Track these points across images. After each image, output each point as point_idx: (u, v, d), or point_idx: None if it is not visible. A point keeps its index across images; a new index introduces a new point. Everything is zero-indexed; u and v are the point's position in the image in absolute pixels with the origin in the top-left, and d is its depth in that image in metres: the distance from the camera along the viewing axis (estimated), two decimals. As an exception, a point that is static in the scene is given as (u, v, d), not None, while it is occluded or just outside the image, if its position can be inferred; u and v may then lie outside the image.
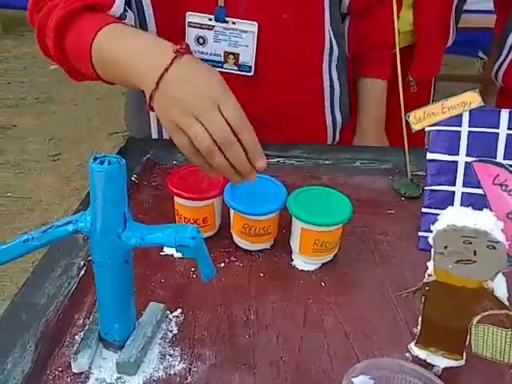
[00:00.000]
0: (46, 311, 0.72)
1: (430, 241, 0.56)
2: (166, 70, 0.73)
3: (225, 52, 1.03)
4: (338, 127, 1.18)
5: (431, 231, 0.85)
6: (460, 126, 0.87)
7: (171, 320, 0.74)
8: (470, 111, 0.87)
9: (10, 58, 4.06)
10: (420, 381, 0.55)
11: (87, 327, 0.70)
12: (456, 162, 0.87)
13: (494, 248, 0.52)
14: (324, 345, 0.71)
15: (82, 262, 0.80)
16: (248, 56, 1.02)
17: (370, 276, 0.82)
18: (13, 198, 2.59)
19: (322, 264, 0.84)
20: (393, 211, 0.95)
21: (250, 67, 1.03)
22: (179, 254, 0.82)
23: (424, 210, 0.88)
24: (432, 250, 0.58)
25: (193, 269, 0.83)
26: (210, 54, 1.03)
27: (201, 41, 1.02)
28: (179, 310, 0.76)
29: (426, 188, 0.88)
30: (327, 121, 1.15)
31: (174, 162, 1.04)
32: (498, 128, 0.86)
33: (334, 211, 0.81)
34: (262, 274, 0.82)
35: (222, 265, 0.84)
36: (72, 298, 0.75)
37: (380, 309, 0.76)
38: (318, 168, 1.03)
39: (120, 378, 0.66)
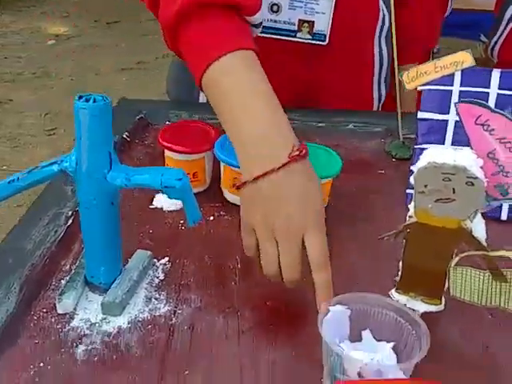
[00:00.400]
0: (32, 256, 0.73)
1: (412, 180, 0.56)
2: (273, 171, 0.64)
3: (299, 20, 0.98)
4: (382, 100, 1.18)
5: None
6: (452, 85, 0.87)
7: (158, 267, 0.75)
8: (462, 71, 0.87)
9: (7, 33, 4.06)
10: (396, 314, 0.55)
11: (73, 271, 0.71)
12: (446, 121, 0.87)
13: (473, 184, 0.52)
14: (309, 289, 0.72)
15: (70, 212, 0.80)
16: (323, 24, 0.98)
17: (357, 231, 0.82)
18: (8, 171, 2.60)
19: (311, 219, 0.84)
20: (383, 171, 0.95)
21: (325, 36, 0.99)
22: (169, 207, 0.86)
23: (412, 167, 0.88)
24: (413, 191, 0.58)
25: (181, 221, 0.83)
26: (284, 23, 0.99)
27: (275, 8, 0.97)
28: (166, 258, 0.76)
29: (415, 147, 0.89)
30: (374, 94, 1.15)
31: (167, 123, 1.04)
32: (488, 88, 0.86)
33: (323, 166, 0.81)
34: (250, 227, 0.82)
35: (212, 218, 0.84)
36: (59, 245, 0.76)
37: (364, 259, 0.77)
38: (311, 130, 1.03)
39: (105, 318, 0.67)
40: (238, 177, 0.82)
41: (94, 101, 0.59)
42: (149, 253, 0.74)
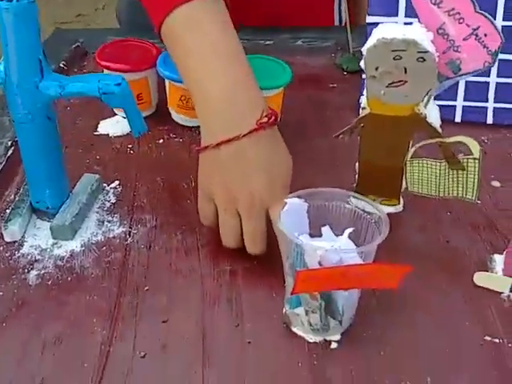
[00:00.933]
0: (-28, 188, 0.69)
1: (362, 64, 0.54)
2: (238, 137, 0.58)
3: None
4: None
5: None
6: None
7: (109, 191, 0.72)
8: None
9: None
10: (354, 205, 0.54)
11: (17, 198, 0.67)
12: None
13: (424, 60, 0.51)
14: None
15: (10, 143, 0.76)
16: None
17: (312, 143, 0.81)
18: None
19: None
20: (335, 85, 0.93)
21: None
22: (115, 133, 0.82)
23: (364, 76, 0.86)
24: (364, 77, 0.56)
25: (130, 145, 0.79)
26: None
27: None
28: (117, 182, 0.73)
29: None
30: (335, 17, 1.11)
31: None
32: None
33: (273, 77, 0.78)
34: (202, 147, 0.80)
35: (161, 141, 0.81)
36: (0, 176, 0.71)
37: (320, 171, 0.75)
38: (260, 48, 1.00)
39: (56, 243, 0.64)
40: (185, 94, 0.79)
41: (18, 0, 0.54)
42: (97, 176, 0.70)
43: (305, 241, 0.49)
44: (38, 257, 0.62)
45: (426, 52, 0.50)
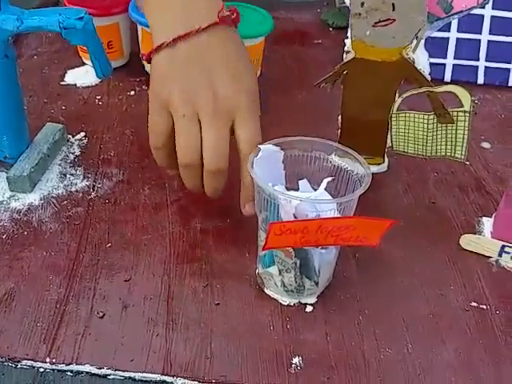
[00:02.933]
0: None
1: (347, 1, 0.49)
2: (197, 32, 0.51)
3: None
4: None
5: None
6: None
7: (73, 143, 0.66)
8: None
9: None
10: (334, 156, 0.49)
11: (-28, 146, 0.62)
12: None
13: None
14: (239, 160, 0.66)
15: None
16: None
17: (294, 98, 0.76)
18: None
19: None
20: (320, 41, 0.88)
21: None
22: (83, 83, 0.76)
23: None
24: (349, 17, 0.51)
25: (98, 97, 0.74)
26: None
27: None
28: (82, 134, 0.68)
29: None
30: None
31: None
32: None
33: (253, 25, 0.73)
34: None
35: (132, 93, 0.75)
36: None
37: (302, 126, 0.69)
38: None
39: (13, 196, 0.59)
40: (160, 43, 0.74)
41: None
42: (60, 126, 0.65)
43: (279, 191, 0.44)
44: (-8, 210, 0.57)
45: (418, -13, 0.46)
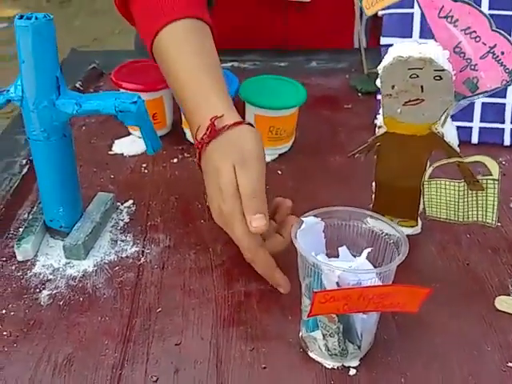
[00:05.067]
0: (-14, 205, 0.68)
1: (378, 84, 0.53)
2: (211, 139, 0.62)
3: None
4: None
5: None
6: (412, 7, 0.85)
7: (122, 210, 0.71)
8: (423, -8, 0.84)
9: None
10: (372, 224, 0.53)
11: (31, 217, 0.66)
12: (411, 46, 0.85)
13: (441, 78, 0.50)
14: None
15: (25, 161, 0.76)
16: None
17: (328, 163, 0.80)
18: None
19: (279, 155, 0.81)
20: (350, 106, 0.93)
21: None
22: (130, 152, 0.82)
23: (379, 97, 0.86)
24: (380, 97, 0.55)
25: (144, 165, 0.79)
26: None
27: None
28: (130, 201, 0.72)
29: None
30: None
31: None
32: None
33: (287, 96, 0.78)
34: (216, 166, 0.79)
35: (175, 160, 0.80)
36: (14, 194, 0.71)
37: (337, 192, 0.74)
38: (274, 70, 0.99)
39: (69, 262, 0.63)
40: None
41: (36, 19, 0.54)
42: (111, 195, 0.70)
43: (322, 261, 0.47)
44: (50, 276, 0.61)
45: (443, 70, 0.49)
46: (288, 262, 0.58)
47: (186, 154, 0.81)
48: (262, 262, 0.58)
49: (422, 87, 0.51)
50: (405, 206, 0.64)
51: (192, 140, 0.82)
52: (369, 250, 0.50)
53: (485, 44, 0.49)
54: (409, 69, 0.50)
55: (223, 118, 0.62)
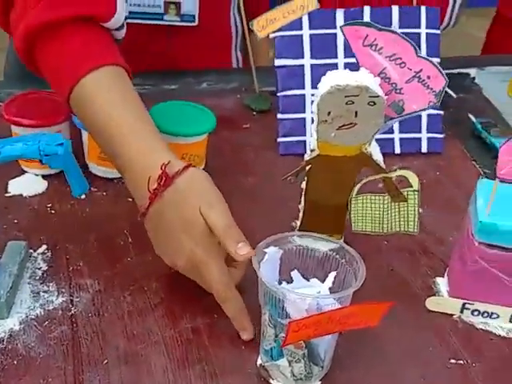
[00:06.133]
0: None
1: (314, 109, 0.55)
2: (158, 197, 0.59)
3: (165, 2, 0.96)
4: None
5: (289, 135, 0.88)
6: (301, 29, 0.89)
7: (37, 257, 0.65)
8: (309, 14, 0.88)
9: None
10: (325, 248, 0.54)
11: None
12: (303, 66, 0.89)
13: (374, 104, 0.53)
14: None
15: None
16: (191, 4, 0.96)
17: (241, 184, 0.80)
18: None
19: (190, 180, 0.80)
20: (248, 125, 0.94)
21: (194, 16, 0.97)
22: (29, 192, 0.75)
23: (280, 116, 0.88)
24: (314, 123, 0.57)
25: (49, 204, 0.73)
26: (149, 6, 0.95)
27: None
28: (44, 247, 0.67)
29: (278, 94, 0.89)
30: (233, 62, 1.14)
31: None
32: (335, 28, 0.89)
33: (198, 122, 0.77)
34: (130, 199, 0.75)
35: (83, 196, 0.75)
36: None
37: (257, 212, 0.75)
38: (165, 93, 0.98)
39: (-10, 324, 0.57)
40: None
41: None
42: (23, 243, 0.64)
43: (292, 290, 0.48)
44: (-27, 343, 0.54)
45: (377, 96, 0.53)
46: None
47: (92, 189, 0.76)
48: (235, 303, 0.57)
49: (356, 112, 0.54)
50: (333, 222, 0.66)
51: (101, 173, 0.78)
52: (334, 273, 0.51)
53: (410, 69, 0.53)
54: (345, 96, 0.52)
55: (171, 164, 0.59)
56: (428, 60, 0.53)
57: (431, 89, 0.53)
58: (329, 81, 0.53)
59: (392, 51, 0.53)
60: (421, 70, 0.53)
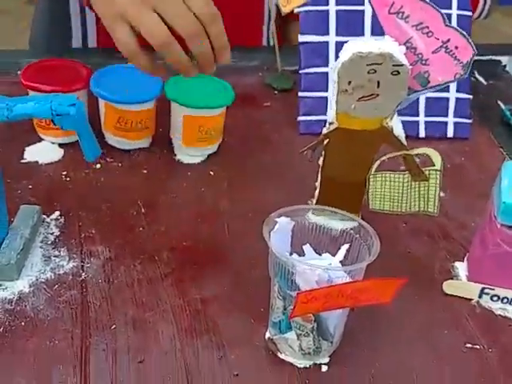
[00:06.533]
0: None
1: (335, 77, 0.53)
2: None
3: None
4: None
5: (310, 114, 0.86)
6: (327, 4, 0.87)
7: (49, 223, 0.65)
8: (336, -12, 0.86)
9: None
10: (337, 222, 0.53)
11: None
12: (327, 43, 0.87)
13: (398, 73, 0.51)
14: (224, 225, 0.67)
15: None
16: None
17: (259, 161, 0.79)
18: None
19: (208, 156, 0.79)
20: (269, 103, 0.93)
21: None
22: (45, 160, 0.75)
23: (301, 94, 0.86)
24: (333, 93, 0.56)
25: (64, 172, 0.73)
26: None
27: None
28: (57, 213, 0.66)
29: (300, 72, 0.87)
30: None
31: (19, 72, 0.90)
32: (363, 5, 0.87)
33: (216, 95, 0.76)
34: (145, 171, 0.75)
35: (98, 166, 0.75)
36: None
37: (273, 189, 0.74)
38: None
39: (0, 285, 0.56)
40: (124, 115, 0.74)
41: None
42: (36, 207, 0.63)
43: (302, 261, 0.47)
44: (-19, 302, 0.54)
45: (402, 65, 0.51)
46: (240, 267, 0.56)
47: (108, 159, 0.76)
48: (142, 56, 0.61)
49: (378, 82, 0.52)
50: (349, 200, 0.64)
51: (117, 144, 0.77)
52: (346, 246, 0.50)
53: (437, 39, 0.51)
54: (367, 64, 0.51)
55: None
56: (457, 30, 0.51)
57: (458, 60, 0.51)
58: (351, 48, 0.51)
59: (419, 19, 0.51)
60: (448, 40, 0.51)
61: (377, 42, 0.51)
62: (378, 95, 0.53)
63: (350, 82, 0.53)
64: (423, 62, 0.53)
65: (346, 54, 0.51)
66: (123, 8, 0.60)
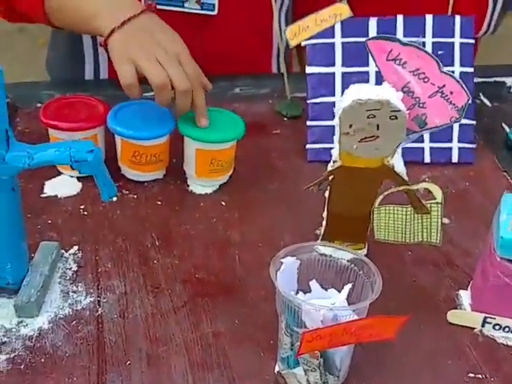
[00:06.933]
0: None
1: (336, 120, 0.56)
2: (135, 16, 0.77)
3: None
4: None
5: (318, 142, 0.89)
6: (333, 37, 0.89)
7: (68, 258, 0.68)
8: (341, 22, 0.89)
9: None
10: (342, 258, 0.55)
11: (-28, 276, 0.62)
12: (333, 74, 0.89)
13: (396, 118, 0.53)
14: (235, 256, 0.70)
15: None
16: None
17: (268, 190, 0.81)
18: None
19: (220, 186, 0.81)
20: (278, 131, 0.95)
21: (214, 5, 0.98)
22: (64, 194, 0.78)
23: (309, 123, 0.89)
24: (336, 134, 0.58)
25: (82, 206, 0.76)
26: None
27: None
28: (75, 248, 0.69)
29: (308, 101, 0.89)
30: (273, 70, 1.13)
31: (38, 105, 0.94)
32: (367, 36, 0.89)
33: (227, 129, 0.78)
34: (159, 202, 0.78)
35: (115, 199, 0.78)
36: None
37: (282, 218, 0.76)
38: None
39: (21, 321, 0.59)
40: (139, 150, 0.77)
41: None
42: (55, 243, 0.67)
43: (307, 301, 0.49)
44: (4, 339, 0.57)
45: (399, 111, 0.53)
46: (254, 300, 0.58)
47: (124, 191, 0.79)
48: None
49: (378, 125, 0.54)
50: (355, 232, 0.67)
51: (133, 177, 0.80)
52: (349, 286, 0.52)
53: (433, 84, 0.53)
54: (367, 110, 0.53)
55: None
56: (451, 76, 0.53)
57: (454, 104, 0.53)
58: (351, 94, 0.53)
59: (416, 66, 0.53)
60: (444, 86, 0.53)
61: (375, 89, 0.53)
62: (378, 137, 0.55)
63: (351, 126, 0.55)
64: (420, 105, 0.55)
65: (346, 100, 0.54)
66: (135, 58, 0.74)
